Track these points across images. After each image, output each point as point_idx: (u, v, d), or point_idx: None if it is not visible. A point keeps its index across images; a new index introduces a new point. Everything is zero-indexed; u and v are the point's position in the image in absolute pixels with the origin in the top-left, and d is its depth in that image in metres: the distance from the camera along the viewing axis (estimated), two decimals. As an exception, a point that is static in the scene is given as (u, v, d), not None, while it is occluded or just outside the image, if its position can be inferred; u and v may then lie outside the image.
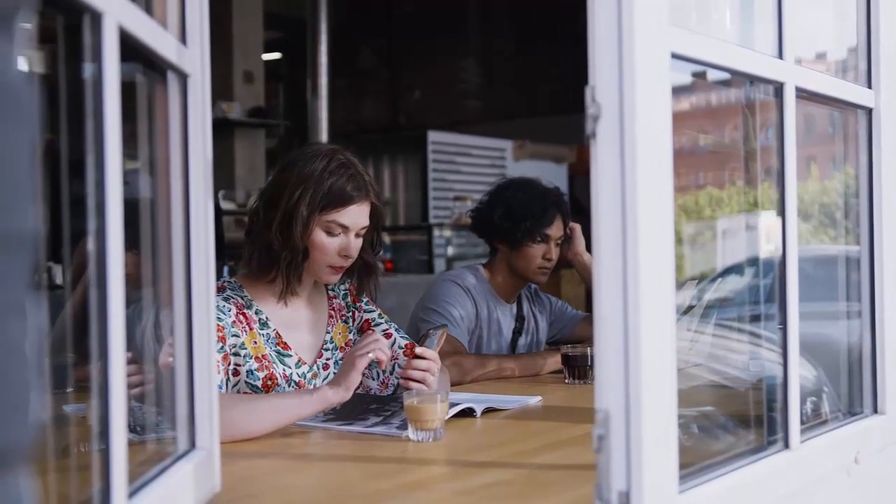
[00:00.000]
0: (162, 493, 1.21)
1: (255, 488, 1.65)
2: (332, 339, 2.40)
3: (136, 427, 1.40)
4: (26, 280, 0.61)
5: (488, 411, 2.24)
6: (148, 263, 1.40)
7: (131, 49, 1.13)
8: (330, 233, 2.23)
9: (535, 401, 2.41)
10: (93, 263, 1.03)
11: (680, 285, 1.36)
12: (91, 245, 1.03)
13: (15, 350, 0.59)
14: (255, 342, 2.23)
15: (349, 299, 2.47)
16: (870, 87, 1.85)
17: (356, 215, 2.25)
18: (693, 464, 1.36)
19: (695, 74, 1.51)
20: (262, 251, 2.25)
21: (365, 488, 1.61)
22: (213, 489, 1.46)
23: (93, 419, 1.08)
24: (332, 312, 2.43)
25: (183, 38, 1.38)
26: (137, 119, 1.34)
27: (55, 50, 1.06)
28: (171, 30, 1.34)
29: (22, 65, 0.63)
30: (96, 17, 1.01)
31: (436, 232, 7.69)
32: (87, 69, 1.03)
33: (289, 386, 2.25)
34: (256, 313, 2.27)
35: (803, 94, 1.61)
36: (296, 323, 2.34)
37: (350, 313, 2.46)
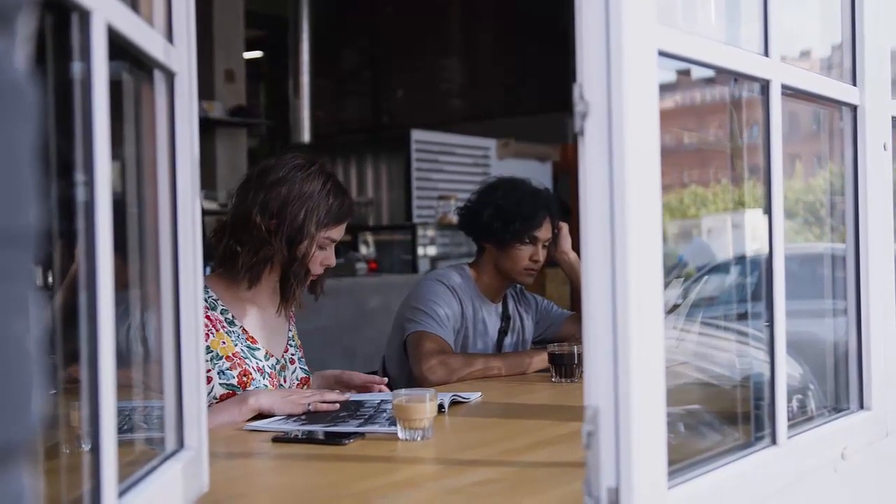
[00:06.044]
0: (151, 492, 1.21)
1: (243, 488, 1.65)
2: (293, 336, 2.54)
3: (122, 426, 1.39)
4: (29, 276, 0.62)
5: (454, 404, 2.30)
6: (134, 264, 1.39)
7: (118, 47, 1.13)
8: (321, 247, 2.38)
9: (475, 397, 2.43)
10: (81, 264, 1.02)
11: (665, 283, 1.37)
12: (80, 246, 1.02)
13: (18, 346, 0.59)
14: (224, 342, 2.31)
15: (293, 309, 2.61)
16: (854, 84, 1.86)
17: (343, 230, 2.44)
18: (682, 460, 1.37)
19: (679, 72, 1.52)
20: (262, 263, 2.33)
21: (354, 487, 1.61)
22: (202, 489, 1.45)
23: (80, 419, 1.07)
24: (291, 314, 2.56)
25: (170, 37, 1.38)
26: (123, 118, 1.34)
27: (42, 48, 1.05)
28: (157, 28, 1.33)
29: (22, 63, 0.63)
30: (84, 15, 1.01)
31: (420, 231, 7.67)
32: (75, 67, 1.03)
33: (263, 378, 2.34)
34: (222, 313, 2.35)
35: (789, 92, 1.62)
36: (261, 321, 2.43)
37: (294, 321, 2.61)
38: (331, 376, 2.57)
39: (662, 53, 1.27)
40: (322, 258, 2.39)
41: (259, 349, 2.38)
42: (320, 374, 2.60)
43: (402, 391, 2.02)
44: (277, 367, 2.41)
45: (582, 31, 1.20)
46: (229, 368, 2.28)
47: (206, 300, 2.31)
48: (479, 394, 2.46)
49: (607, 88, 1.19)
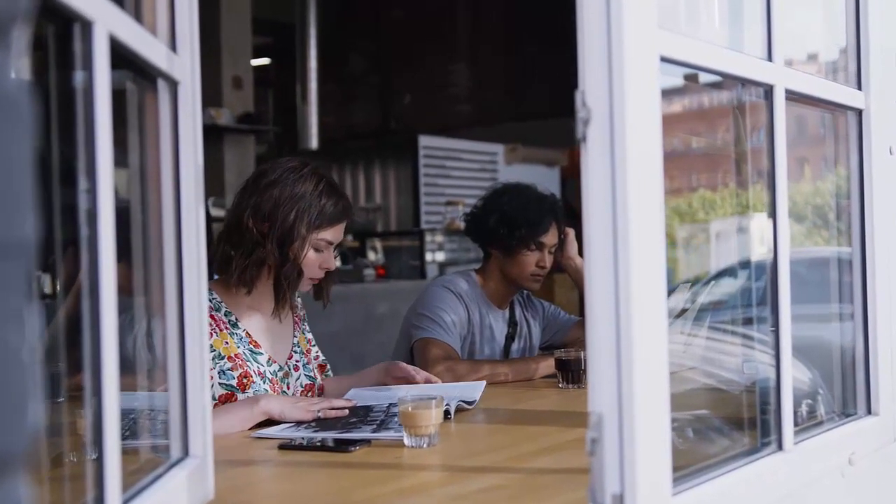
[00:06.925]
0: (156, 501, 1.21)
1: (248, 496, 1.65)
2: (297, 343, 2.53)
3: (125, 433, 1.39)
4: (24, 287, 0.62)
5: (460, 411, 2.30)
6: (139, 272, 1.39)
7: (121, 57, 1.13)
8: (317, 249, 2.38)
9: (480, 388, 2.47)
10: (85, 272, 1.03)
11: (673, 288, 1.36)
12: (83, 254, 1.03)
13: (13, 357, 0.60)
14: (227, 342, 2.32)
15: (302, 313, 2.61)
16: (860, 88, 1.85)
17: (340, 232, 2.42)
18: (687, 466, 1.36)
19: (686, 77, 1.52)
20: (255, 265, 2.34)
21: (360, 494, 1.61)
22: (207, 497, 1.45)
23: (85, 428, 1.07)
24: (296, 319, 2.56)
25: (173, 46, 1.38)
26: (127, 127, 1.34)
27: (45, 57, 1.05)
28: (160, 37, 1.34)
29: (19, 73, 0.63)
30: (87, 26, 1.01)
31: (428, 237, 7.66)
32: (78, 77, 1.03)
33: (263, 382, 2.34)
34: (226, 315, 2.36)
35: (793, 96, 1.62)
36: (265, 327, 2.44)
37: (304, 325, 2.60)
38: (383, 369, 2.61)
39: (664, 59, 1.27)
40: (320, 261, 2.38)
41: (262, 354, 2.38)
42: (382, 366, 2.63)
43: (408, 397, 2.02)
44: (280, 373, 2.41)
45: (583, 37, 1.20)
46: (230, 369, 2.29)
47: (210, 301, 2.31)
48: (483, 383, 2.51)
49: (609, 95, 1.19)
